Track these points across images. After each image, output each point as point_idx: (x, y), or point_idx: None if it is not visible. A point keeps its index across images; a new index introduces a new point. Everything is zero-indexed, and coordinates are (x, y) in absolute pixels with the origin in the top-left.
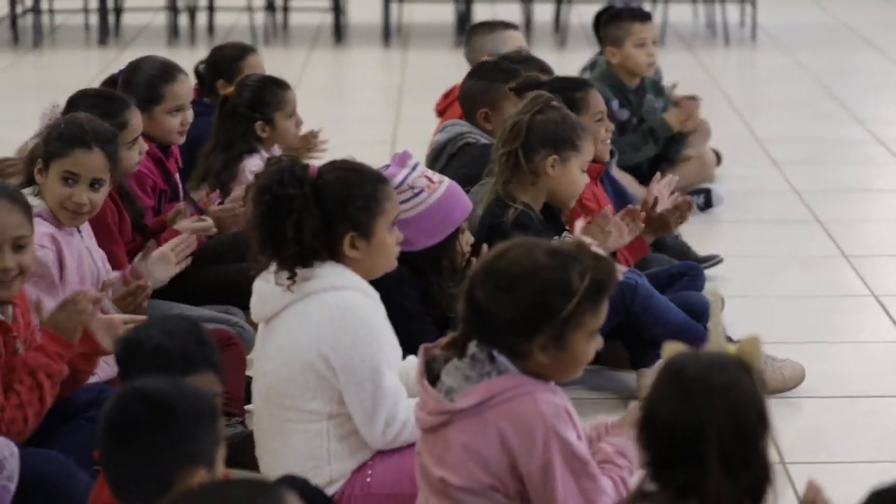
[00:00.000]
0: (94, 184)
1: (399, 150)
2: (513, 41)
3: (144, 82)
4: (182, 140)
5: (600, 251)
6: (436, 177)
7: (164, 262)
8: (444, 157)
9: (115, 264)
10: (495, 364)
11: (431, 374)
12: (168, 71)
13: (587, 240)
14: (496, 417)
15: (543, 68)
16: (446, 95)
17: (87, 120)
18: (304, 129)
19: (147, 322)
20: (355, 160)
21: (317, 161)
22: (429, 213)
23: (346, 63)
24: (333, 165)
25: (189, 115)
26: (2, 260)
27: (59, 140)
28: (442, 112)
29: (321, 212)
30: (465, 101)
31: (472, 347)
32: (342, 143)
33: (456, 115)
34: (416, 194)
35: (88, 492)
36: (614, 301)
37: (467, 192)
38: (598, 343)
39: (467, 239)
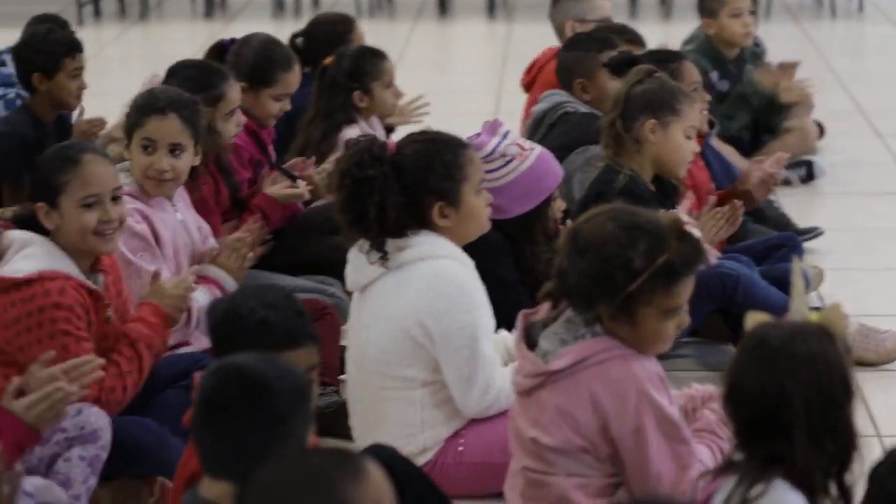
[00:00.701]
0: (174, 149)
1: (500, 122)
2: (600, 10)
3: (261, 62)
4: (272, 123)
5: (695, 232)
6: (527, 144)
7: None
8: (544, 127)
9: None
10: (590, 327)
11: (530, 340)
12: (288, 58)
13: (685, 218)
14: (589, 379)
15: (635, 39)
16: (529, 70)
17: (163, 89)
18: (404, 101)
19: (243, 294)
20: (433, 130)
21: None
22: (520, 181)
23: (451, 36)
24: (411, 139)
25: (288, 104)
26: (106, 212)
27: (135, 111)
28: (528, 86)
29: (403, 187)
30: (562, 72)
31: (569, 312)
32: (445, 115)
33: (541, 88)
34: (508, 162)
35: None
36: (714, 290)
37: (562, 159)
38: (680, 321)
39: (559, 206)
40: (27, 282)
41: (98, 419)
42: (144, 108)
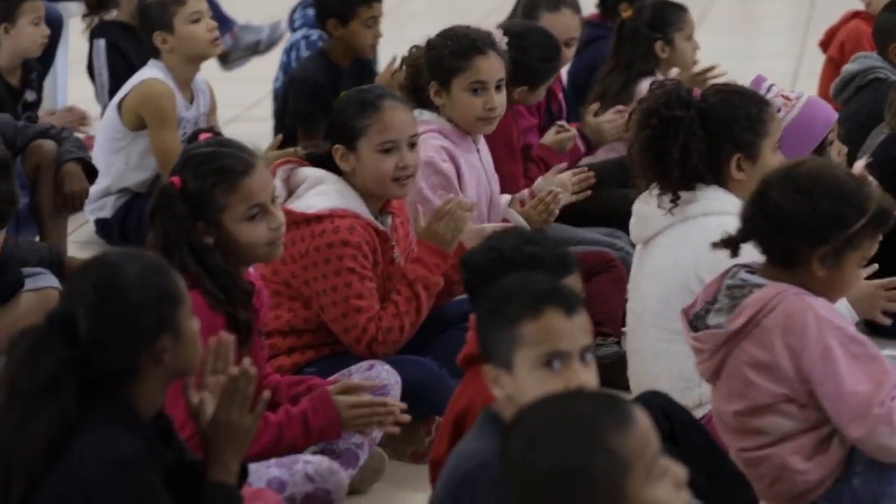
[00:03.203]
0: (499, 86)
1: (800, 85)
2: None
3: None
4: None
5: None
6: (792, 95)
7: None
8: (852, 88)
9: (513, 183)
10: (753, 283)
11: (696, 331)
12: (555, 2)
13: (869, 178)
14: (771, 323)
15: None
16: (829, 32)
17: (466, 29)
18: (704, 62)
19: (498, 238)
20: (737, 83)
21: None
22: (790, 131)
23: None
24: (717, 88)
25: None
26: (403, 158)
27: (453, 56)
28: (825, 47)
29: (707, 134)
30: (878, 34)
31: (727, 280)
32: (745, 75)
33: (837, 50)
34: None
35: None
36: None
37: (870, 127)
38: (864, 272)
39: (839, 149)
40: (318, 218)
41: (389, 375)
42: (465, 51)
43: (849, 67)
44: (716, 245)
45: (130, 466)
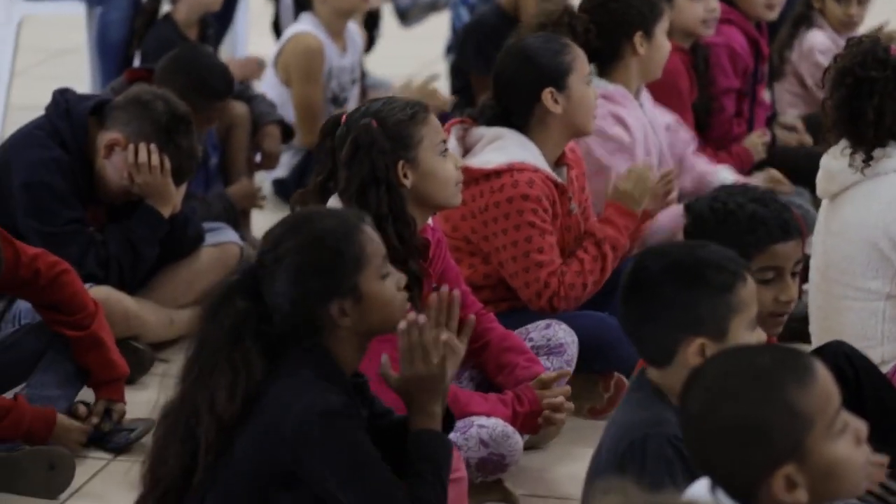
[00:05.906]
0: None
1: None
2: None
3: None
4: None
5: None
6: None
7: None
8: None
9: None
10: None
11: None
12: None
13: None
14: None
15: None
16: None
17: None
18: (879, 17)
19: (725, 190)
20: None
21: None
22: None
23: None
24: None
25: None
26: (595, 91)
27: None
28: None
29: None
30: None
31: None
32: None
33: None
34: None
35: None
36: None
37: None
38: None
39: None
40: (497, 173)
41: (566, 335)
42: None
43: None
44: None
45: (339, 418)
